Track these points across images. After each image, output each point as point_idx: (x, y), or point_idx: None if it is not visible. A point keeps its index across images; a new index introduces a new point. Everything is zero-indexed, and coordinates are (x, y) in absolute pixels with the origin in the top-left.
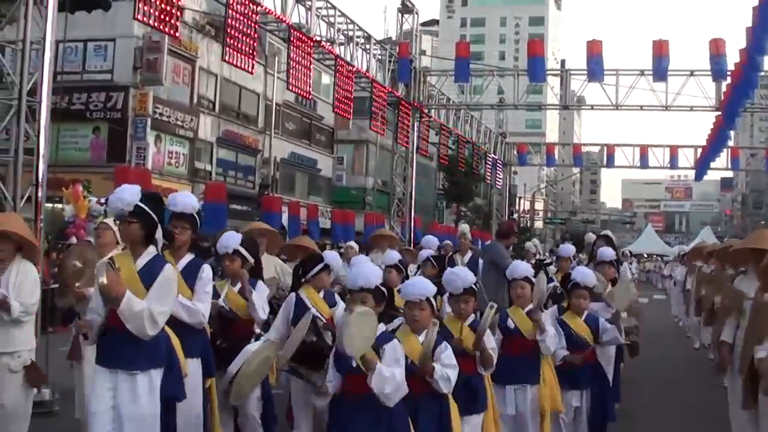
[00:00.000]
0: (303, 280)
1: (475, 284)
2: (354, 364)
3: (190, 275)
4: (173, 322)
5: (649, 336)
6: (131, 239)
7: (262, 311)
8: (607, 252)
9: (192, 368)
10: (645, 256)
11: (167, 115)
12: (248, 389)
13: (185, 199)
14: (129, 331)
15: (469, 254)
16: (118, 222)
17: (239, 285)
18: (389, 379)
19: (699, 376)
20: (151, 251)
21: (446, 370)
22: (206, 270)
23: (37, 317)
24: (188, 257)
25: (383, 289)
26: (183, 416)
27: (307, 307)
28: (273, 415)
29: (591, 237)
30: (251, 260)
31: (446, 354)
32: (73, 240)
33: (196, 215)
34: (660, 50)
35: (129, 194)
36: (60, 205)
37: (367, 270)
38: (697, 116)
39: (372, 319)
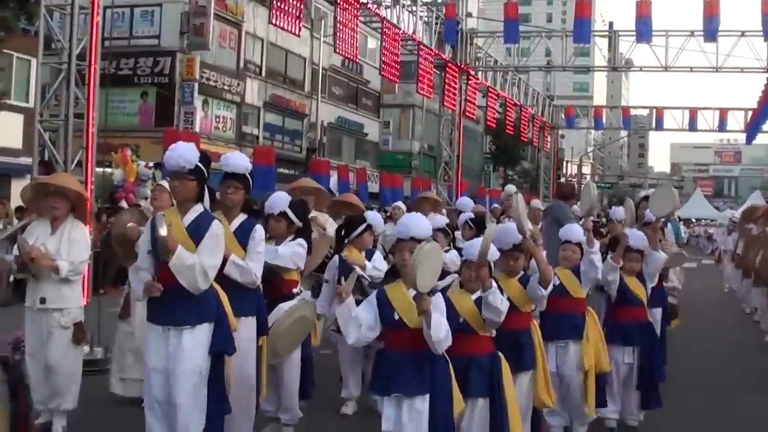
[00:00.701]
0: (346, 241)
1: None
2: (396, 317)
3: (242, 235)
4: (227, 281)
5: (698, 300)
6: (187, 196)
7: (287, 259)
8: (618, 211)
9: (247, 326)
10: (693, 221)
11: (214, 80)
12: (284, 349)
13: (237, 160)
14: (179, 287)
15: None
16: (171, 178)
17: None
18: (443, 324)
19: (749, 342)
20: (197, 208)
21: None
22: (258, 230)
23: (88, 278)
24: (241, 217)
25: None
26: (238, 373)
27: (351, 268)
28: (311, 378)
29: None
30: (298, 222)
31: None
32: (123, 204)
33: (248, 176)
34: (711, 10)
35: (190, 152)
36: (109, 170)
37: (419, 220)
38: (748, 78)
39: (439, 254)
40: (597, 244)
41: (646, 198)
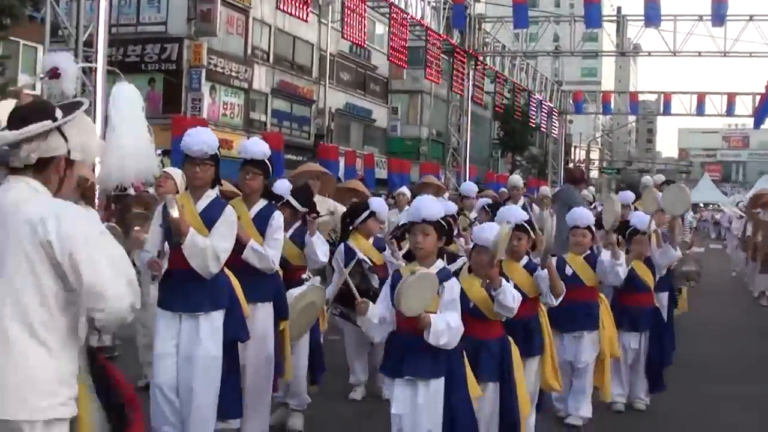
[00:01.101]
0: (351, 227)
1: (527, 222)
2: None
3: (261, 222)
4: (245, 266)
5: (705, 285)
6: (205, 182)
7: (323, 254)
8: (626, 195)
9: (265, 312)
10: (701, 206)
11: (222, 66)
12: (293, 334)
13: (256, 147)
14: (191, 273)
15: (521, 201)
16: (190, 164)
17: (290, 232)
18: (444, 331)
19: (756, 326)
20: (211, 194)
21: (514, 291)
22: (277, 216)
23: None
24: (261, 203)
25: (445, 223)
26: (255, 358)
27: (356, 254)
28: (320, 363)
29: (649, 180)
30: (302, 209)
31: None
32: (131, 191)
33: (267, 161)
34: None
35: (212, 137)
36: None
37: (430, 203)
38: (756, 62)
39: (432, 282)
40: (623, 256)
41: (668, 182)
